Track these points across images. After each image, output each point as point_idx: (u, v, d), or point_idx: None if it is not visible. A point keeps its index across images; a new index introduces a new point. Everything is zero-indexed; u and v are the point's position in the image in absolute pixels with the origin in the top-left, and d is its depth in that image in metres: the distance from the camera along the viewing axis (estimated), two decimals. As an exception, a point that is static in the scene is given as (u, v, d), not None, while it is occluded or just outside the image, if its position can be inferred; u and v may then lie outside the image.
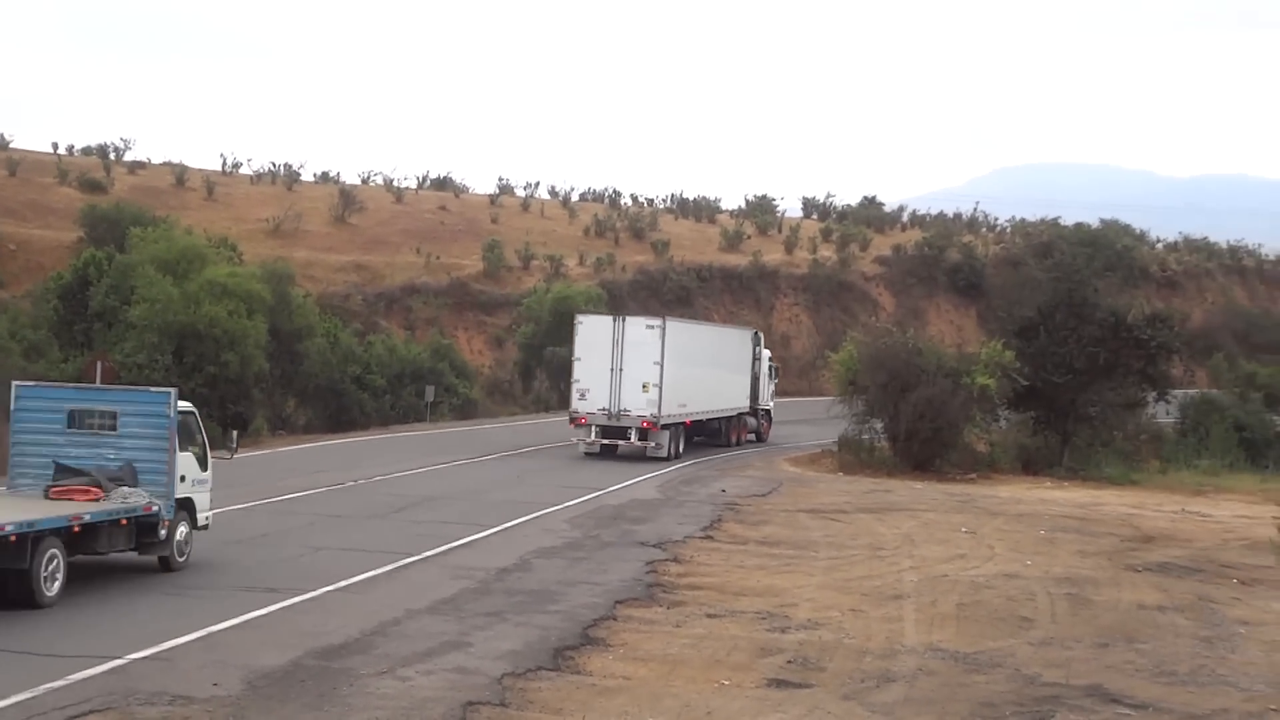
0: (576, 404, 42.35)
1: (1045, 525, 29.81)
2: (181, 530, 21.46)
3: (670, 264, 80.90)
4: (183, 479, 21.50)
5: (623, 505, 31.50)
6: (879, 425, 43.57)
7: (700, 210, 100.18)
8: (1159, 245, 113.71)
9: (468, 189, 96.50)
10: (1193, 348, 65.11)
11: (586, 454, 42.09)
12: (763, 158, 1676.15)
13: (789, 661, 16.44)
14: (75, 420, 21.31)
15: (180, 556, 21.46)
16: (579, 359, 42.46)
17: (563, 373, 61.69)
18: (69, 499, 19.99)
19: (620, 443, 42.39)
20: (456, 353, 62.12)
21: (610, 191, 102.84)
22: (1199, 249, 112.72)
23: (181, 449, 21.47)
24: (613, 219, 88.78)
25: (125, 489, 20.56)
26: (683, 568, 23.04)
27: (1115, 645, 17.87)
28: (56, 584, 18.36)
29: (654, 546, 25.23)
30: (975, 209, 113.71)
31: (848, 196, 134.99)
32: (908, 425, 41.28)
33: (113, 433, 21.18)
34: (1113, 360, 43.99)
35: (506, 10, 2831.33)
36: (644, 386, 41.34)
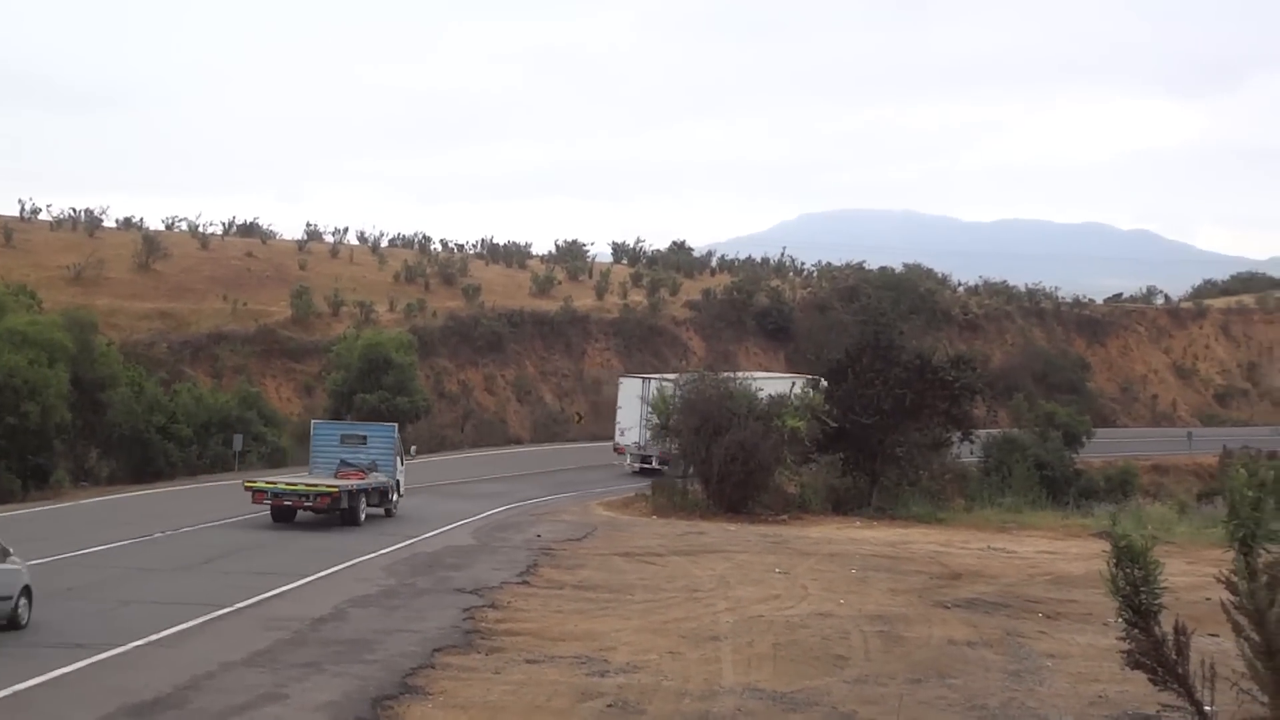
0: (618, 439, 58.10)
1: (856, 564, 30.20)
2: (395, 497, 38.92)
3: (481, 309, 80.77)
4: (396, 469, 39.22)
5: (438, 552, 31.29)
6: (691, 468, 43.91)
7: (511, 256, 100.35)
8: (960, 289, 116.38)
9: (275, 235, 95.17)
10: (994, 388, 66.91)
11: (629, 472, 54.83)
12: (572, 203, 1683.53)
13: (609, 705, 16.41)
14: (344, 440, 39.05)
15: (395, 510, 38.82)
16: (620, 407, 58.38)
17: (375, 419, 61.76)
18: (348, 478, 36.63)
19: (647, 465, 53.99)
20: (265, 401, 61.16)
21: (420, 237, 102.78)
22: (999, 292, 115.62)
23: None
24: (423, 265, 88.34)
25: (375, 474, 37.71)
26: (500, 614, 22.92)
27: (928, 681, 18.16)
28: (364, 515, 36.20)
29: (471, 593, 25.08)
30: (782, 254, 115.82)
31: (657, 241, 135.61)
32: (720, 468, 41.58)
33: (364, 445, 38.73)
34: (918, 401, 44.81)
35: (311, 56, 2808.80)
36: None
